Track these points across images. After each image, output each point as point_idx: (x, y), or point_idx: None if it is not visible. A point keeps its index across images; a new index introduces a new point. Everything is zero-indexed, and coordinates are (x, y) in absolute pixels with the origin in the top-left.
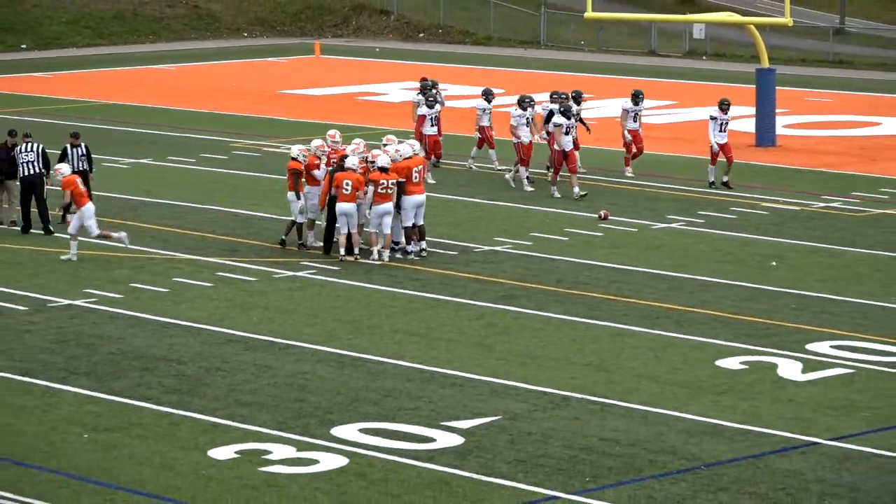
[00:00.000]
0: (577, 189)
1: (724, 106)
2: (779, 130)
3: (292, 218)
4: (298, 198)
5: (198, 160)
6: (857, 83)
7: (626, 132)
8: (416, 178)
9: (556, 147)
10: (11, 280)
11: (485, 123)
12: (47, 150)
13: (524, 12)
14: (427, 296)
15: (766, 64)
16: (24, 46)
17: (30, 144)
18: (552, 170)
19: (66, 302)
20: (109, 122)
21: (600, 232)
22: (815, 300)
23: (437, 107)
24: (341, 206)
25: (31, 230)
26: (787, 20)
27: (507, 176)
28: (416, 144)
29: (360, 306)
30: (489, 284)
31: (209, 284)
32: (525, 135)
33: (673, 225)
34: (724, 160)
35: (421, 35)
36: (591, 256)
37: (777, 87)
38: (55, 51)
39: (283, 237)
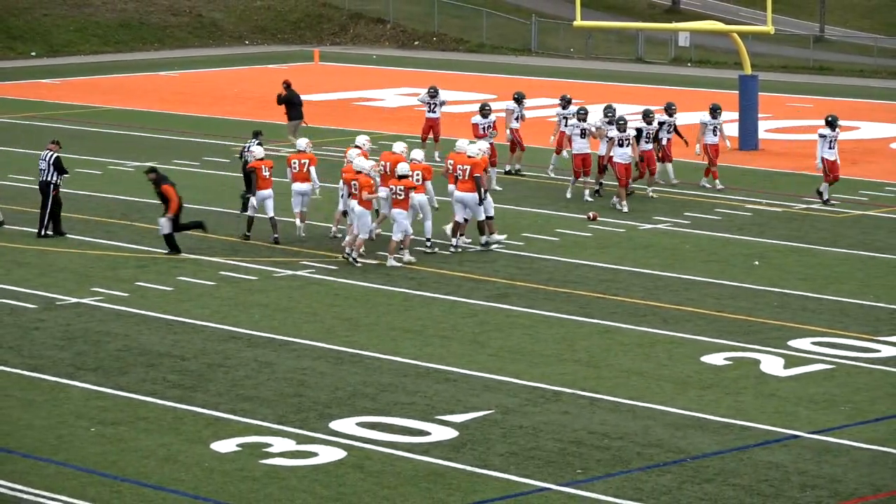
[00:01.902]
0: (617, 199)
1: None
2: (761, 134)
3: (268, 214)
4: (253, 194)
5: (201, 163)
6: (836, 89)
7: (699, 146)
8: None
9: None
10: (20, 279)
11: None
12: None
13: (516, 21)
14: (422, 294)
15: (748, 70)
16: (33, 54)
17: (46, 152)
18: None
19: (74, 300)
20: (115, 127)
21: (589, 232)
22: (796, 298)
23: (492, 117)
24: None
25: (46, 234)
26: (768, 28)
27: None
28: (485, 145)
29: (357, 304)
30: (482, 283)
31: (212, 283)
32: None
33: (659, 226)
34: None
35: (416, 43)
36: (580, 256)
37: (759, 93)
38: (63, 58)
39: (248, 233)
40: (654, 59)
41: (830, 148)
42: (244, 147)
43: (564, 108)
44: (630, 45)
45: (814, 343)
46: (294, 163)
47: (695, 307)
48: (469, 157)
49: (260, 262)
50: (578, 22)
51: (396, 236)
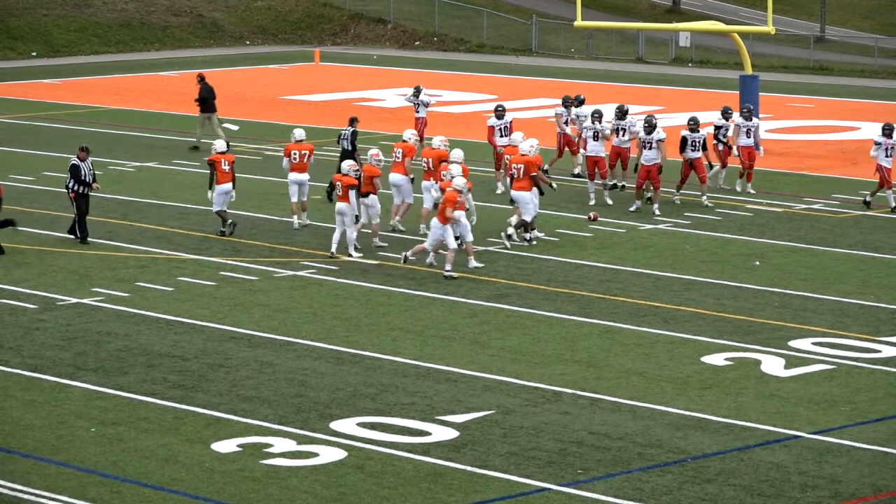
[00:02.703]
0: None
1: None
2: (762, 135)
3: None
4: (211, 188)
5: (202, 164)
6: (837, 89)
7: (736, 147)
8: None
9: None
10: (21, 279)
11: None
12: (54, 154)
13: (516, 21)
14: (422, 294)
15: (749, 71)
16: (34, 54)
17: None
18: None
19: (74, 300)
20: (116, 127)
21: (590, 233)
22: (796, 298)
23: (508, 117)
24: (338, 206)
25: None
26: (769, 28)
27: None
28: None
29: (357, 304)
30: (482, 283)
31: (212, 283)
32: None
33: (660, 226)
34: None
35: (417, 43)
36: (580, 256)
37: (760, 93)
38: (64, 58)
39: (223, 229)
40: (655, 60)
41: (888, 156)
42: (341, 134)
43: (577, 108)
44: (631, 46)
45: (814, 343)
46: (294, 153)
47: (695, 307)
48: (522, 154)
49: (260, 263)
50: (579, 22)
51: (468, 238)
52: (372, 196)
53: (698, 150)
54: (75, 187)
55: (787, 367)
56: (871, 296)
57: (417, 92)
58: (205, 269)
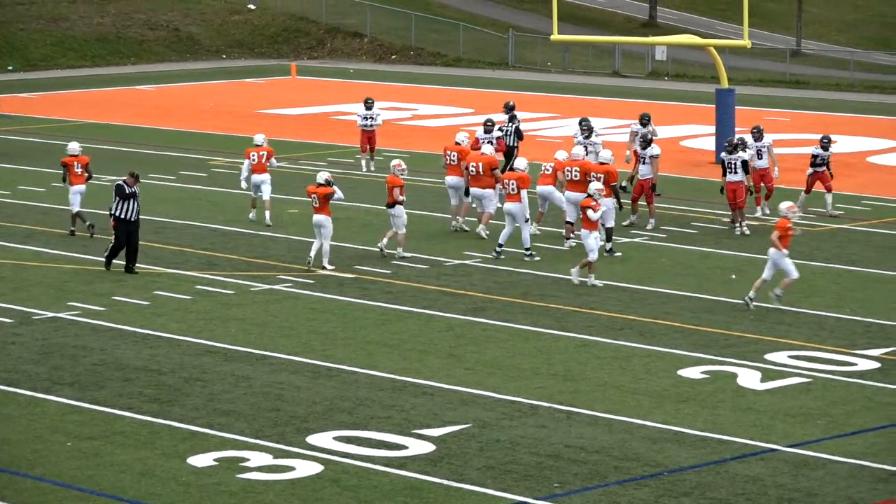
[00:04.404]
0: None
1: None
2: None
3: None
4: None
5: (178, 177)
6: (812, 103)
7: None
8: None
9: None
10: None
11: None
12: (29, 168)
13: (493, 35)
14: (399, 308)
15: (725, 84)
16: (10, 68)
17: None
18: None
19: (51, 315)
20: (92, 141)
21: (566, 247)
22: (773, 311)
23: (496, 132)
24: (315, 218)
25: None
26: (745, 42)
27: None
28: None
29: (334, 318)
30: (459, 297)
31: (188, 297)
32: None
33: (636, 239)
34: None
35: (393, 57)
36: (557, 270)
37: (736, 107)
38: (41, 72)
39: (84, 224)
40: (631, 73)
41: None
42: (503, 130)
43: (644, 125)
44: (607, 59)
45: (790, 356)
46: (253, 155)
47: (672, 321)
48: (602, 164)
49: (236, 277)
50: (556, 36)
51: (592, 256)
52: (398, 207)
53: (736, 173)
54: (117, 212)
55: (763, 380)
56: (846, 309)
57: (370, 105)
58: (181, 283)
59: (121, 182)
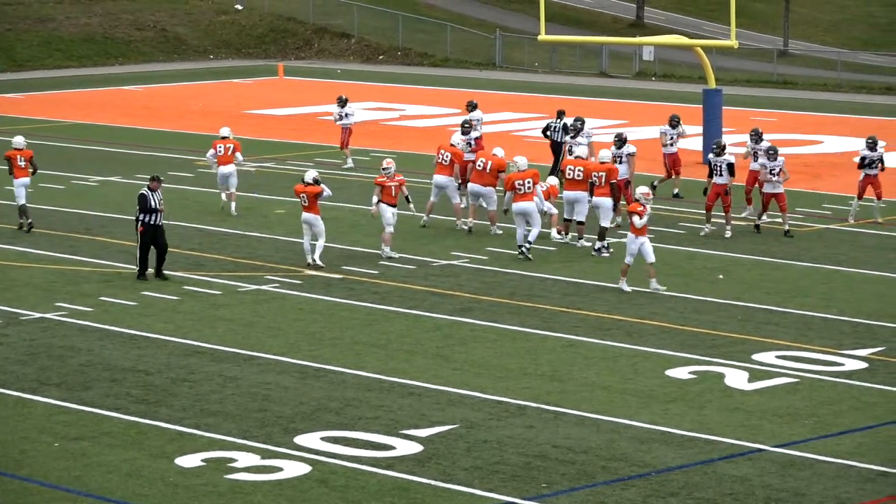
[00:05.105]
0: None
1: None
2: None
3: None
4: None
5: (165, 178)
6: (800, 103)
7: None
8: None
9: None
10: None
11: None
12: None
13: (480, 35)
14: (386, 308)
15: (712, 84)
16: None
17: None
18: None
19: (38, 315)
20: (80, 142)
21: (553, 247)
22: (760, 312)
23: (473, 134)
24: (304, 216)
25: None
26: (732, 42)
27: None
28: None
29: (321, 318)
30: (446, 297)
31: (176, 298)
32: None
33: (623, 240)
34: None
35: (381, 57)
36: (544, 270)
37: (723, 107)
38: (27, 72)
39: (21, 221)
40: (619, 74)
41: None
42: (550, 126)
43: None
44: (594, 60)
45: (778, 357)
46: (219, 147)
47: (659, 321)
48: (602, 162)
49: (224, 277)
50: (543, 36)
51: (649, 258)
52: (382, 204)
53: (722, 176)
54: (144, 218)
55: (750, 380)
56: (834, 309)
57: (343, 103)
58: (168, 284)
59: (143, 191)
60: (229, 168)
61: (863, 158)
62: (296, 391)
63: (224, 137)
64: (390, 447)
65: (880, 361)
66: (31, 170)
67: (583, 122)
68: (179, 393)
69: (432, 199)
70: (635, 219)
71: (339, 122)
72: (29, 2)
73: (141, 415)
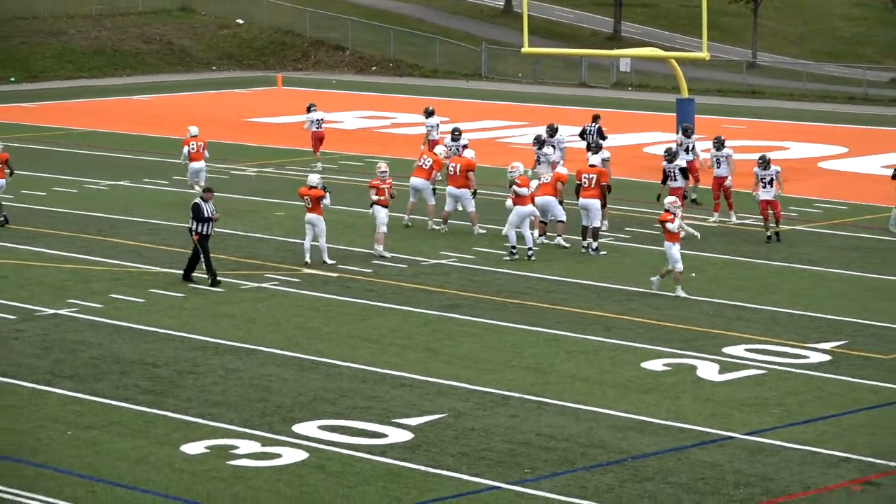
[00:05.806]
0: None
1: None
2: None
3: None
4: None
5: (171, 182)
6: (768, 111)
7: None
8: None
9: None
10: None
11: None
12: (31, 174)
13: (467, 48)
14: (379, 304)
15: (685, 94)
16: (12, 79)
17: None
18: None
19: (51, 311)
20: (90, 148)
21: (536, 247)
22: (730, 308)
23: (463, 140)
24: (308, 216)
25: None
26: (704, 55)
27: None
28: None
29: (318, 314)
30: (436, 294)
31: (182, 295)
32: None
33: (602, 240)
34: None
35: (373, 68)
36: (528, 269)
37: (696, 115)
38: (41, 83)
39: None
40: (597, 84)
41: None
42: (586, 129)
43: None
44: (574, 71)
45: (747, 350)
46: (192, 144)
47: (635, 316)
48: (590, 165)
49: (227, 275)
50: (526, 49)
51: (678, 266)
52: (376, 206)
53: (676, 180)
54: (198, 228)
55: (721, 372)
56: (800, 305)
57: (309, 110)
58: (174, 282)
59: (198, 201)
60: (200, 164)
61: None
62: (294, 382)
63: (194, 136)
64: (383, 435)
65: (843, 354)
66: (8, 171)
67: (555, 130)
68: (185, 384)
69: (412, 199)
70: (668, 225)
71: (308, 128)
72: (43, 16)
73: (149, 405)
